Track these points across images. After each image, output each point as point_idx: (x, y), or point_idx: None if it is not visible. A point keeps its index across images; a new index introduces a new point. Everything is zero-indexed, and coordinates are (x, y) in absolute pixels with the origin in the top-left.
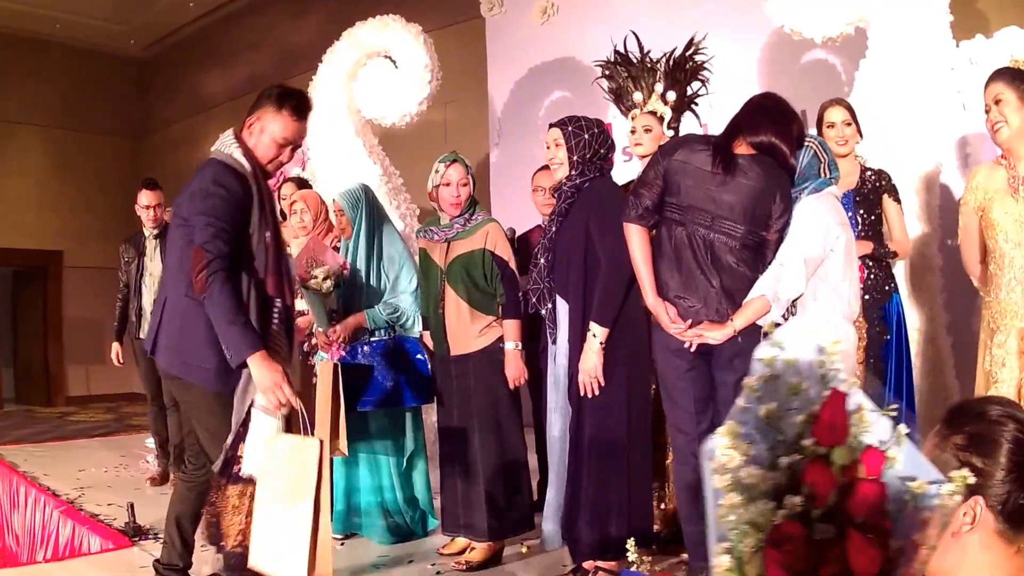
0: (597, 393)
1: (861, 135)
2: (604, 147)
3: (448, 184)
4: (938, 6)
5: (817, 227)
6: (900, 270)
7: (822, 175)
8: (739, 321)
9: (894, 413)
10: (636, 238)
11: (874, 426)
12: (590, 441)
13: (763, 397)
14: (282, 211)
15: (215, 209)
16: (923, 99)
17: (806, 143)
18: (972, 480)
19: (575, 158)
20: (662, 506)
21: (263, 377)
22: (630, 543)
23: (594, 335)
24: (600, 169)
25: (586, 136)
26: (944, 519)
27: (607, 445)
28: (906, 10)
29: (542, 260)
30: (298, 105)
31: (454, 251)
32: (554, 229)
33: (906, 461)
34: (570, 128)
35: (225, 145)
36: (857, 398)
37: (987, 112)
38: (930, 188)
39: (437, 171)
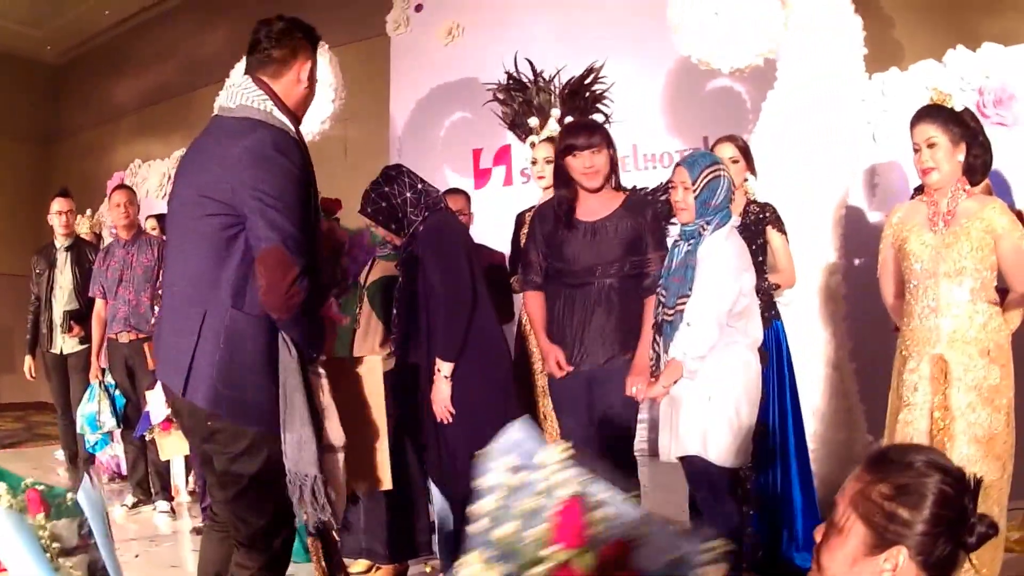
0: (451, 421)
1: (753, 172)
2: (410, 191)
3: None
4: (852, 40)
5: (730, 279)
6: (810, 297)
7: (731, 208)
8: (664, 380)
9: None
10: None
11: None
12: (447, 469)
13: (498, 520)
14: None
15: (287, 191)
16: (832, 130)
17: (720, 172)
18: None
19: (393, 227)
20: None
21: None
22: None
23: (439, 370)
24: (427, 207)
25: (383, 204)
26: None
27: (462, 470)
28: (819, 44)
29: (394, 311)
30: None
31: (379, 270)
32: (400, 282)
33: (656, 541)
34: (369, 210)
35: (250, 99)
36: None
37: (916, 151)
38: (836, 217)
39: None
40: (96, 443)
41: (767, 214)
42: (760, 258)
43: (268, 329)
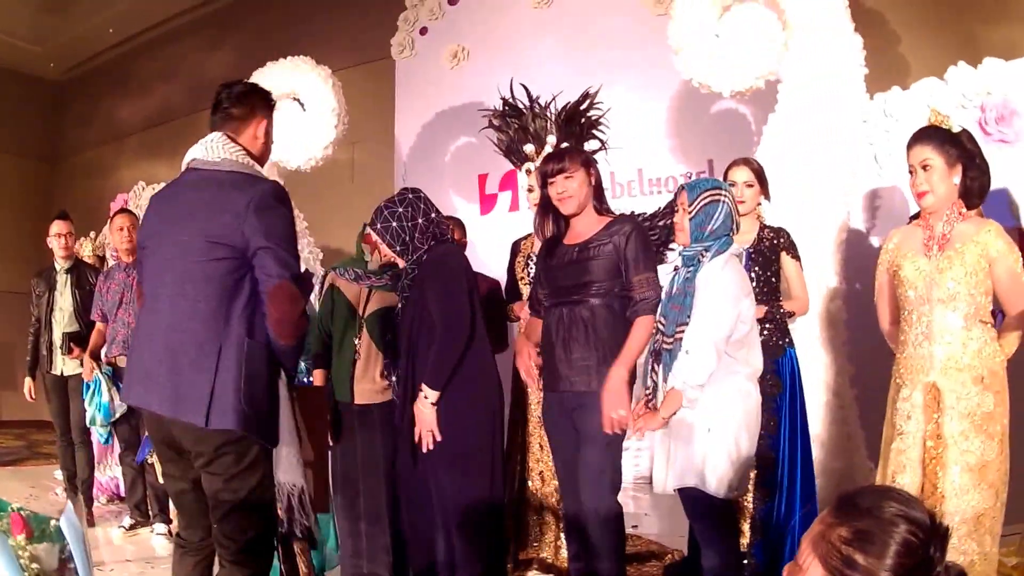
0: (434, 447)
1: (768, 196)
2: (422, 217)
3: None
4: (852, 60)
5: (728, 306)
6: (811, 323)
7: (732, 234)
8: (665, 410)
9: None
10: None
11: None
12: (439, 496)
13: None
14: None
15: (290, 235)
16: (833, 152)
17: (720, 197)
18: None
19: (398, 248)
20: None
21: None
22: None
23: (425, 396)
24: (434, 236)
25: (394, 223)
26: None
27: (450, 499)
28: (819, 64)
29: (388, 336)
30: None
31: (377, 301)
32: (399, 307)
33: None
34: (378, 225)
35: (233, 154)
36: None
37: (911, 173)
38: (838, 242)
39: None
40: (107, 437)
41: (781, 239)
42: (774, 284)
43: (271, 356)
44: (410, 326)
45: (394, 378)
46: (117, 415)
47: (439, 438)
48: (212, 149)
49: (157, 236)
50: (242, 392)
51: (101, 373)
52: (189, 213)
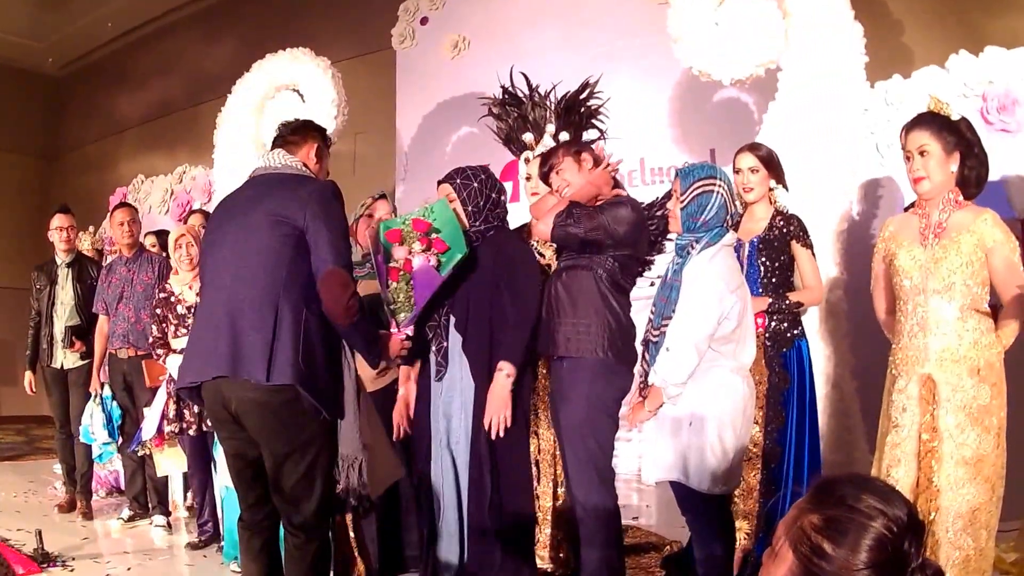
0: (503, 434)
1: (780, 181)
2: (495, 191)
3: (371, 216)
4: (853, 48)
5: (712, 303)
6: (811, 314)
7: (727, 226)
8: (649, 404)
9: None
10: None
11: None
12: (497, 478)
13: None
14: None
15: (343, 226)
16: (834, 141)
17: (714, 187)
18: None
19: (470, 208)
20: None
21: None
22: None
23: (508, 375)
24: (499, 218)
25: (475, 184)
26: None
27: (514, 485)
28: (819, 53)
29: (443, 307)
30: None
31: (362, 289)
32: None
33: None
34: (458, 180)
35: (291, 162)
36: None
37: (907, 159)
38: (838, 232)
39: (364, 204)
40: (100, 454)
41: (791, 227)
42: (783, 274)
43: (329, 331)
44: (470, 297)
45: (433, 347)
46: (99, 441)
47: (510, 424)
48: (273, 159)
49: (219, 232)
50: (300, 354)
51: (96, 399)
52: (253, 200)
